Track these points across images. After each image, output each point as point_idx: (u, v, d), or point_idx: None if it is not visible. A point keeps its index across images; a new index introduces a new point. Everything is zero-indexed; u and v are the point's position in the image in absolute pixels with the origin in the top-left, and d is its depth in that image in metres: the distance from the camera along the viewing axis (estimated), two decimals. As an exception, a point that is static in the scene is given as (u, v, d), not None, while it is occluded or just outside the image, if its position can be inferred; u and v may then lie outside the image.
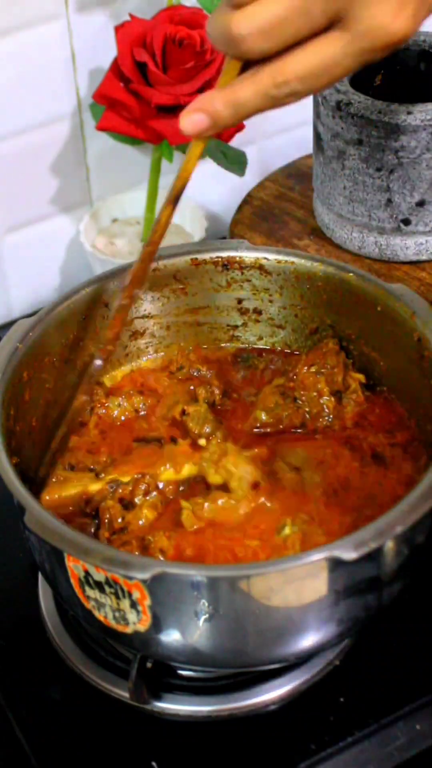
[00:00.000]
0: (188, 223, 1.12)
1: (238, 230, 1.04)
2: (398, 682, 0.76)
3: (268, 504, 0.76)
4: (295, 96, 0.62)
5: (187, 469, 0.79)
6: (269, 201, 1.07)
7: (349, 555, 0.63)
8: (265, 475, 0.77)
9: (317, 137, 0.98)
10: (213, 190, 1.16)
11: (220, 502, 0.75)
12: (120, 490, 0.76)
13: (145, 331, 0.89)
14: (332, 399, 0.83)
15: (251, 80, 0.62)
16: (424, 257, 0.97)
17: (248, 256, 0.87)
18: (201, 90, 0.97)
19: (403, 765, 0.73)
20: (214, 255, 0.88)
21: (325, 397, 0.83)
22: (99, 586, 0.67)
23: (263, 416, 0.83)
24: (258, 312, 0.90)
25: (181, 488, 0.78)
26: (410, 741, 0.73)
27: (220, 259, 0.88)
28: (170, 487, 0.77)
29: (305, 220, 1.04)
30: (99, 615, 0.69)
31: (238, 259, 0.88)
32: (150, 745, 0.74)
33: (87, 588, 0.68)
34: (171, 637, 0.67)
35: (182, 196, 0.72)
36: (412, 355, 0.79)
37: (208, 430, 0.81)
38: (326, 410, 0.83)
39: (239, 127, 1.02)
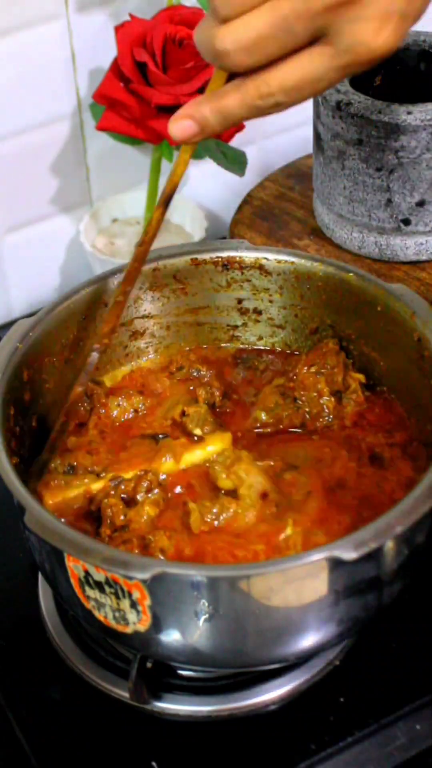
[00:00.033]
0: (188, 223, 1.12)
1: (238, 230, 1.04)
2: (398, 682, 0.76)
3: (275, 512, 0.76)
4: (279, 107, 0.63)
5: (187, 459, 0.79)
6: (269, 201, 1.07)
7: (349, 555, 0.63)
8: (275, 486, 0.77)
9: (317, 137, 0.98)
10: (213, 190, 1.16)
11: (230, 510, 0.75)
12: (122, 487, 0.76)
13: (145, 331, 0.89)
14: (332, 399, 0.83)
15: (237, 90, 0.63)
16: (424, 257, 0.97)
17: (248, 256, 0.87)
18: (201, 90, 0.97)
19: (403, 765, 0.73)
20: (214, 255, 0.88)
21: (325, 397, 0.83)
22: (99, 586, 0.67)
23: (263, 416, 0.83)
24: (258, 312, 0.90)
25: (179, 489, 0.78)
26: (410, 741, 0.73)
27: (220, 259, 0.88)
28: (171, 479, 0.77)
29: (305, 220, 1.04)
30: (99, 615, 0.69)
31: (238, 259, 0.88)
32: (150, 745, 0.74)
33: (87, 588, 0.68)
34: (171, 637, 0.67)
35: (179, 197, 0.73)
36: (412, 355, 0.79)
37: (207, 431, 0.81)
38: (326, 410, 0.83)
39: (239, 127, 1.02)
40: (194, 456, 0.79)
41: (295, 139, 1.18)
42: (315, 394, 0.83)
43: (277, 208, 1.06)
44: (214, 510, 0.75)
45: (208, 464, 0.79)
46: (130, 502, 0.76)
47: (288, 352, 0.90)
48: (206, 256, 0.88)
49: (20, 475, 0.71)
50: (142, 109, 0.99)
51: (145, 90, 0.98)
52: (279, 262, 0.87)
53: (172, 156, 1.03)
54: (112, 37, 1.00)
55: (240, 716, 0.75)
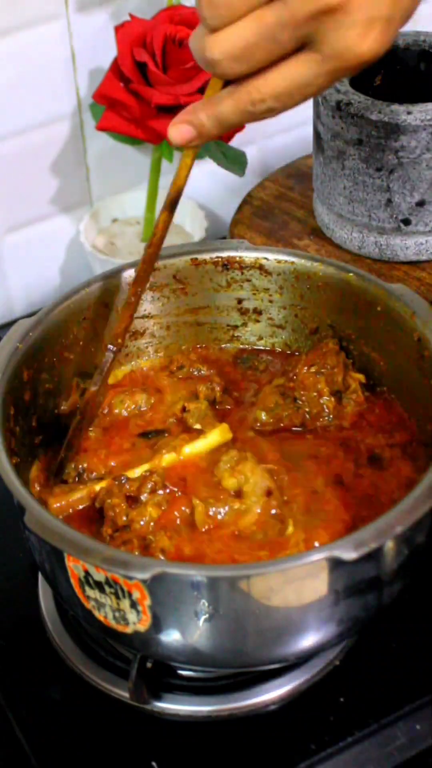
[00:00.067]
0: (188, 223, 1.12)
1: (238, 230, 1.04)
2: (398, 682, 0.76)
3: (278, 512, 0.76)
4: (272, 112, 0.64)
5: (187, 451, 0.79)
6: (269, 201, 1.07)
7: (349, 555, 0.63)
8: (277, 486, 0.77)
9: (317, 137, 0.98)
10: (213, 190, 1.16)
11: (235, 506, 0.75)
12: (127, 486, 0.76)
13: (145, 331, 0.89)
14: (332, 399, 0.83)
15: (231, 97, 0.64)
16: (424, 257, 0.97)
17: (248, 256, 0.87)
18: (201, 90, 0.97)
19: (403, 765, 0.73)
20: (214, 255, 0.88)
21: (325, 397, 0.83)
22: (99, 586, 0.67)
23: (263, 416, 0.83)
24: (258, 312, 0.90)
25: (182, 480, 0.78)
26: (410, 741, 0.73)
27: (220, 259, 0.88)
28: (174, 475, 0.77)
29: (305, 220, 1.04)
30: (99, 615, 0.69)
31: (238, 259, 0.88)
32: (150, 745, 0.74)
33: (87, 588, 0.68)
34: (171, 637, 0.67)
35: (180, 200, 0.74)
36: (412, 355, 0.79)
37: (210, 423, 0.82)
38: (326, 410, 0.83)
39: (239, 127, 1.02)
40: (194, 447, 0.79)
41: (295, 139, 1.18)
42: (315, 394, 0.83)
43: (277, 208, 1.06)
44: (219, 506, 0.75)
45: (212, 462, 0.79)
46: (133, 501, 0.76)
47: (288, 352, 0.90)
48: (206, 256, 0.88)
49: (20, 475, 0.71)
50: (142, 109, 0.99)
51: (145, 90, 0.98)
52: (279, 262, 0.87)
53: (172, 156, 1.04)
54: (112, 37, 1.00)
55: (240, 716, 0.75)
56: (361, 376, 0.85)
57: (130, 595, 0.65)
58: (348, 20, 0.59)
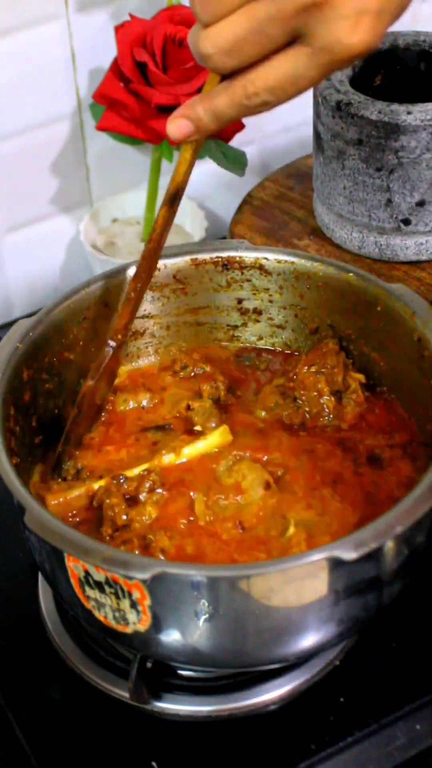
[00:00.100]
0: (188, 223, 1.12)
1: (238, 230, 1.04)
2: (398, 682, 0.76)
3: (276, 504, 0.76)
4: (266, 105, 0.65)
5: (187, 452, 0.79)
6: (269, 201, 1.07)
7: (349, 555, 0.63)
8: (275, 483, 0.78)
9: (317, 137, 0.98)
10: (213, 190, 1.16)
11: (235, 498, 0.76)
12: (125, 486, 0.76)
13: (145, 331, 0.89)
14: (332, 399, 0.83)
15: (226, 91, 0.65)
16: (424, 257, 0.97)
17: (248, 256, 0.87)
18: (201, 90, 0.97)
19: (403, 765, 0.73)
20: (214, 255, 0.88)
21: (325, 397, 0.83)
22: (99, 586, 0.67)
23: (263, 415, 0.83)
24: (258, 312, 0.90)
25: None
26: (410, 741, 0.73)
27: (220, 259, 0.88)
28: (173, 474, 0.77)
29: (305, 220, 1.04)
30: (99, 615, 0.69)
31: (238, 259, 0.88)
32: (150, 745, 0.74)
33: (87, 588, 0.68)
34: (171, 637, 0.67)
35: (182, 196, 0.74)
36: (412, 355, 0.79)
37: (213, 425, 0.82)
38: (326, 410, 0.83)
39: (239, 127, 1.02)
40: (194, 449, 0.80)
41: (295, 139, 1.18)
42: (315, 393, 0.83)
43: (277, 208, 1.06)
44: (219, 499, 0.75)
45: (211, 463, 0.79)
46: (132, 501, 0.76)
47: (288, 352, 0.90)
48: (206, 256, 0.88)
49: (20, 475, 0.71)
50: (142, 109, 0.99)
51: (145, 90, 0.98)
52: (279, 262, 0.87)
53: (172, 156, 1.04)
54: (112, 37, 1.00)
55: (240, 716, 0.75)
56: (361, 376, 0.85)
57: (130, 595, 0.65)
58: (336, 13, 0.60)
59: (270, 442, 0.81)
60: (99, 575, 0.66)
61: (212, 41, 0.63)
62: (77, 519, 0.77)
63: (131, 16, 0.99)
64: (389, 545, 0.66)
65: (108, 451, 0.82)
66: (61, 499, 0.77)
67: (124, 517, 0.75)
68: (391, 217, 0.95)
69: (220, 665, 0.74)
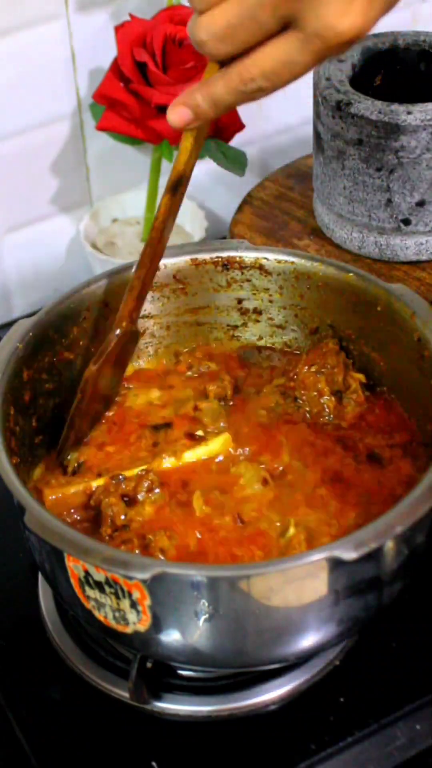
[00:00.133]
0: (188, 223, 1.12)
1: (238, 230, 1.04)
2: (398, 682, 0.76)
3: (275, 498, 0.76)
4: (262, 91, 0.65)
5: (187, 458, 0.79)
6: (269, 201, 1.07)
7: (349, 555, 0.63)
8: (273, 480, 0.78)
9: (317, 137, 0.98)
10: (213, 190, 1.16)
11: (234, 493, 0.76)
12: (123, 486, 0.76)
13: (145, 331, 0.89)
14: (332, 399, 0.83)
15: (223, 78, 0.66)
16: (424, 257, 0.97)
17: (248, 256, 0.87)
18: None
19: (403, 765, 0.73)
20: (214, 255, 0.88)
21: (326, 397, 0.83)
22: (99, 586, 0.67)
23: (264, 414, 0.83)
24: (258, 312, 0.90)
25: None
26: (410, 741, 0.73)
27: (220, 259, 0.88)
28: (172, 478, 0.78)
29: (305, 220, 1.04)
30: (99, 615, 0.69)
31: (238, 259, 0.88)
32: (150, 745, 0.74)
33: (87, 588, 0.68)
34: (171, 637, 0.67)
35: (186, 187, 0.75)
36: (412, 355, 0.79)
37: (223, 425, 0.82)
38: (327, 410, 0.83)
39: (239, 127, 1.02)
40: (195, 454, 0.80)
41: (295, 139, 1.18)
42: (315, 393, 0.83)
43: (277, 208, 1.06)
44: (217, 495, 0.75)
45: (210, 462, 0.80)
46: (130, 501, 0.76)
47: (288, 351, 0.90)
48: (206, 256, 0.88)
49: (20, 475, 0.71)
50: (142, 109, 0.99)
51: (145, 90, 0.98)
52: (279, 262, 0.87)
53: (172, 156, 1.03)
54: (112, 37, 1.00)
55: (240, 716, 0.75)
56: (361, 376, 0.85)
57: (130, 595, 0.65)
58: None
59: (270, 439, 0.81)
60: (99, 575, 0.66)
61: (206, 28, 0.64)
62: (76, 516, 0.77)
63: (131, 16, 0.99)
64: (389, 545, 0.66)
65: (110, 448, 0.82)
66: (59, 494, 0.77)
67: (123, 516, 0.75)
68: (391, 217, 0.95)
69: (220, 665, 0.74)
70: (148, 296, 0.87)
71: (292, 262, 0.86)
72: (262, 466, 0.79)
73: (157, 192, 1.07)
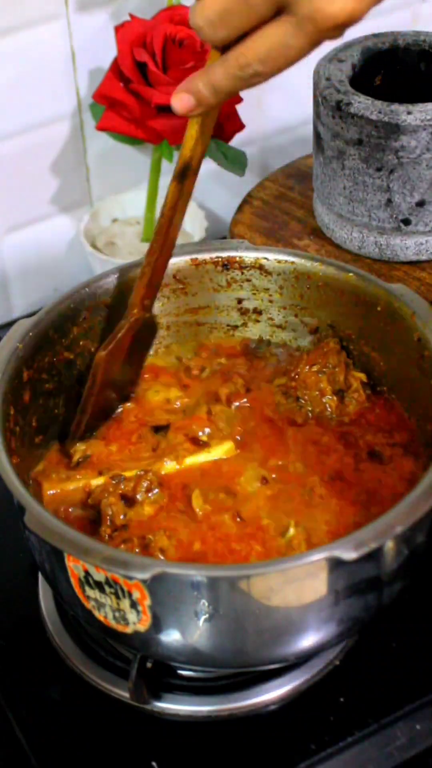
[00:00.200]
0: (188, 223, 1.12)
1: (238, 230, 1.04)
2: (398, 682, 0.76)
3: (275, 494, 0.76)
4: (259, 76, 0.66)
5: (188, 463, 0.79)
6: (269, 201, 1.07)
7: (349, 555, 0.63)
8: (273, 476, 0.78)
9: (317, 137, 0.98)
10: (213, 190, 1.16)
11: (233, 492, 0.76)
12: (122, 486, 0.76)
13: (145, 331, 0.90)
14: (334, 398, 0.83)
15: (222, 64, 0.67)
16: (424, 257, 0.97)
17: (248, 256, 0.87)
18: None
19: (403, 765, 0.73)
20: (214, 255, 0.88)
21: (328, 396, 0.83)
22: (99, 586, 0.67)
23: (269, 412, 0.84)
24: (258, 312, 0.90)
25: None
26: (410, 741, 0.73)
27: (220, 259, 0.88)
28: (174, 481, 0.78)
29: (305, 220, 1.04)
30: (99, 615, 0.69)
31: (238, 259, 0.88)
32: (150, 745, 0.74)
33: (87, 588, 0.68)
34: (171, 637, 0.67)
35: (196, 175, 0.76)
36: (412, 355, 0.79)
37: (239, 430, 0.82)
38: (329, 409, 0.83)
39: (239, 127, 1.02)
40: (196, 459, 0.80)
41: (295, 139, 1.18)
42: (317, 393, 0.83)
43: (277, 208, 1.06)
44: (217, 493, 0.75)
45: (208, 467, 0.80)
46: (129, 501, 0.76)
47: (290, 348, 0.90)
48: (206, 256, 0.88)
49: (20, 475, 0.71)
50: (142, 109, 0.99)
51: (145, 90, 0.98)
52: (279, 262, 0.87)
53: (172, 156, 1.04)
54: (112, 37, 1.00)
55: (240, 716, 0.75)
56: (362, 375, 0.85)
57: (130, 595, 0.65)
58: None
59: (278, 441, 0.81)
60: (99, 575, 0.66)
61: (201, 14, 0.65)
62: (72, 511, 0.77)
63: (131, 16, 0.99)
64: (389, 545, 0.66)
65: (113, 447, 0.82)
66: (58, 489, 0.77)
67: (122, 516, 0.75)
68: (391, 217, 0.95)
69: (220, 665, 0.74)
70: (148, 296, 0.88)
71: (292, 262, 0.86)
72: (257, 465, 0.79)
73: (157, 192, 1.07)
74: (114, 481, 0.77)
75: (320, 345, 0.86)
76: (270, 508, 0.76)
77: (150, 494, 0.76)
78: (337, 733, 0.73)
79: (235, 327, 0.91)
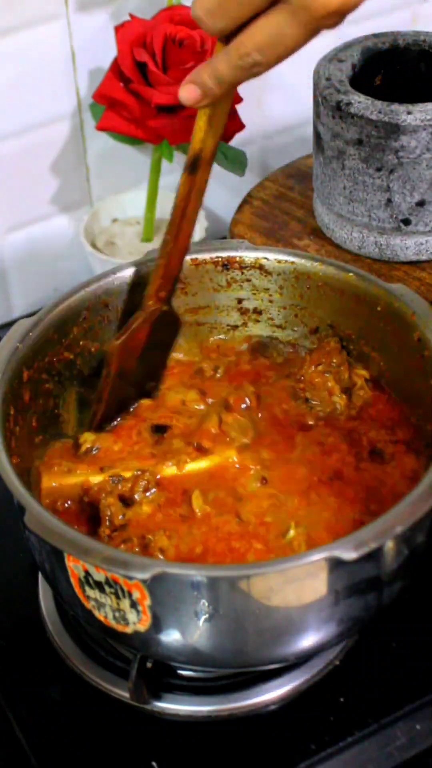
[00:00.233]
0: (188, 223, 1.12)
1: (238, 230, 1.04)
2: (398, 682, 0.76)
3: (275, 494, 0.76)
4: (259, 66, 0.67)
5: (190, 467, 0.79)
6: (269, 201, 1.07)
7: (349, 555, 0.63)
8: (273, 476, 0.78)
9: (317, 137, 0.98)
10: (213, 190, 1.16)
11: (233, 491, 0.76)
12: (120, 486, 0.76)
13: (145, 331, 0.89)
14: (343, 396, 0.83)
15: (224, 55, 0.68)
16: (424, 257, 0.97)
17: (248, 256, 0.87)
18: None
19: (403, 765, 0.73)
20: (214, 255, 0.88)
21: (337, 395, 0.83)
22: (99, 586, 0.67)
23: (280, 414, 0.84)
24: (258, 312, 0.90)
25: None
26: (410, 741, 0.73)
27: (220, 259, 0.88)
28: (174, 484, 0.78)
29: (305, 220, 1.04)
30: (99, 615, 0.69)
31: (238, 259, 0.88)
32: (150, 745, 0.74)
33: (87, 588, 0.68)
34: (171, 637, 0.67)
35: (209, 166, 0.77)
36: (412, 354, 0.79)
37: (252, 436, 0.81)
38: (338, 408, 0.83)
39: (239, 127, 1.02)
40: (197, 465, 0.79)
41: (295, 139, 1.18)
42: (325, 392, 0.84)
43: (277, 208, 1.06)
44: (217, 493, 0.75)
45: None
46: (127, 502, 0.76)
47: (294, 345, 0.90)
48: (206, 256, 0.88)
49: (20, 475, 0.71)
50: (142, 109, 0.99)
51: (145, 90, 0.98)
52: (279, 262, 0.87)
53: (172, 156, 1.03)
54: (112, 37, 1.00)
55: (240, 716, 0.75)
56: (365, 372, 0.85)
57: (130, 595, 0.65)
58: None
59: (287, 445, 0.81)
60: (99, 575, 0.66)
61: (201, 4, 0.66)
62: (67, 506, 0.77)
63: (131, 16, 0.99)
64: (389, 545, 0.66)
65: (116, 446, 0.82)
66: (56, 483, 0.77)
67: (121, 517, 0.75)
68: (391, 217, 0.95)
69: (220, 665, 0.74)
70: (148, 296, 0.88)
71: (292, 262, 0.86)
72: (258, 467, 0.79)
73: (157, 192, 1.07)
74: (112, 482, 0.77)
75: (321, 345, 0.86)
76: (270, 509, 0.76)
77: (148, 494, 0.76)
78: (337, 733, 0.73)
79: (235, 327, 0.91)
